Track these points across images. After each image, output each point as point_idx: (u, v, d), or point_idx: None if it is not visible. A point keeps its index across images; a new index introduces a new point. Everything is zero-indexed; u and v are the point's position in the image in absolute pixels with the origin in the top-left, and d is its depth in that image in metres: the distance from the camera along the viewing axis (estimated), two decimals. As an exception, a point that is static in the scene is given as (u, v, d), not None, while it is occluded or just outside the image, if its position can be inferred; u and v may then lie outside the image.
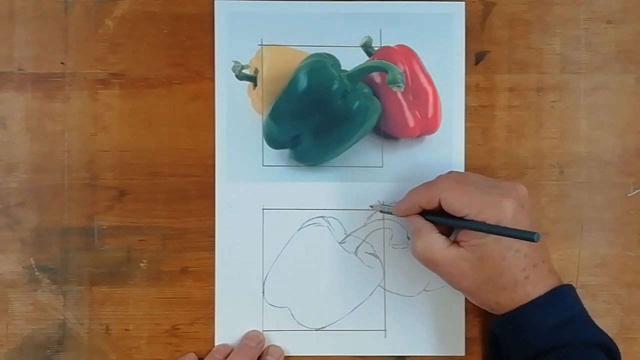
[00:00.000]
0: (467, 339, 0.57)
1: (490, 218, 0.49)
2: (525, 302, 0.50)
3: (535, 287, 0.50)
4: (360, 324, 0.57)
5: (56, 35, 0.57)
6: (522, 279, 0.50)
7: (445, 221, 0.52)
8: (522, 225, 0.49)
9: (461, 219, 0.50)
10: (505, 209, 0.49)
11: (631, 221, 0.58)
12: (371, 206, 0.57)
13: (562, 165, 0.58)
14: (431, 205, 0.51)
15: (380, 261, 0.58)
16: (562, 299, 0.51)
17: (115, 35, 0.57)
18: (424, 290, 0.58)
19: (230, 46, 0.57)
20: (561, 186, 0.58)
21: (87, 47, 0.57)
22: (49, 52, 0.57)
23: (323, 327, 0.57)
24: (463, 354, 0.57)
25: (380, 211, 0.57)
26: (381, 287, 0.57)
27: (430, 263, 0.52)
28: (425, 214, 0.53)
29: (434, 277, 0.57)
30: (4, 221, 0.57)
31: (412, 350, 0.57)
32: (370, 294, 0.57)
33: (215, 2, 0.57)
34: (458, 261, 0.51)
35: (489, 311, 0.53)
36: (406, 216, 0.54)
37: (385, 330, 0.57)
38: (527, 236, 0.47)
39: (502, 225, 0.49)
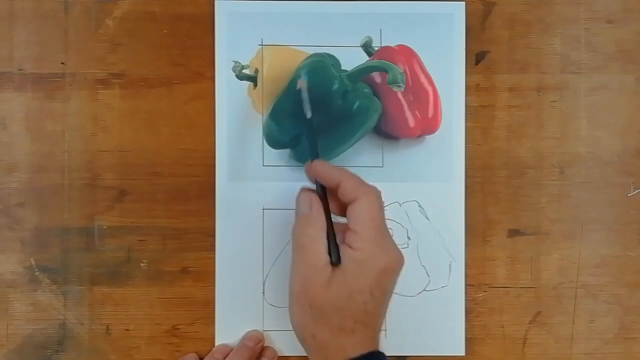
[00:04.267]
0: (467, 339, 0.57)
1: (366, 205, 0.48)
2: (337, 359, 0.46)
3: (354, 347, 0.46)
4: (360, 324, 0.57)
5: (56, 35, 0.57)
6: (348, 330, 0.46)
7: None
8: (381, 230, 0.48)
9: None
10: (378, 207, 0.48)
11: (631, 221, 0.58)
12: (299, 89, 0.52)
13: (562, 165, 0.58)
14: (333, 186, 0.49)
15: (380, 261, 0.57)
16: None
17: (115, 35, 0.57)
18: (424, 290, 0.58)
19: (230, 46, 0.57)
20: (561, 186, 0.58)
21: (87, 47, 0.57)
22: (49, 52, 0.57)
23: (323, 327, 0.57)
24: (463, 354, 0.57)
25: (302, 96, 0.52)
26: (381, 287, 0.57)
27: (298, 248, 0.48)
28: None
29: (434, 277, 0.57)
30: (4, 221, 0.57)
31: (412, 350, 0.57)
32: (370, 294, 0.57)
33: (215, 2, 0.57)
34: (324, 265, 0.47)
35: (298, 341, 0.49)
36: (315, 182, 0.50)
37: (385, 330, 0.57)
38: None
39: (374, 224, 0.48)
